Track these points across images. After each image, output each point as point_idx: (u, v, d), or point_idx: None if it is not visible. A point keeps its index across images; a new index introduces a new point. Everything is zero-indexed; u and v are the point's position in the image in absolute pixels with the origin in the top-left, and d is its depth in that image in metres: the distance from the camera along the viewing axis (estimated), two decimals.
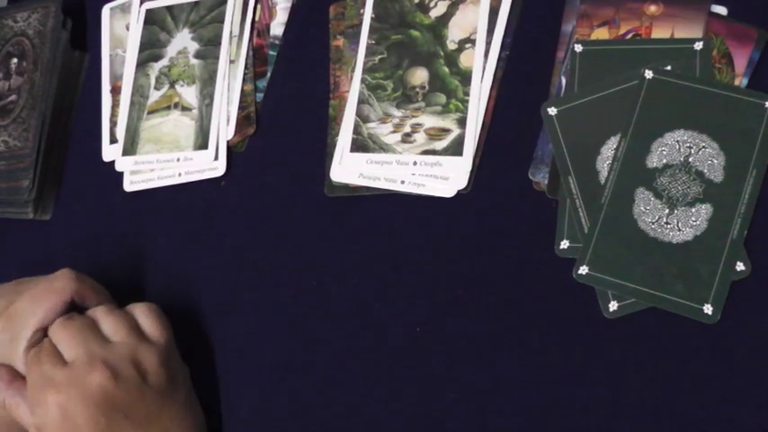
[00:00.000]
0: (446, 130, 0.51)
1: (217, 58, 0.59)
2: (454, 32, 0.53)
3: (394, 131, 0.52)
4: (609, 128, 0.47)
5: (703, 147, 0.45)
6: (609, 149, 0.47)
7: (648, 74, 0.47)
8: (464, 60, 0.52)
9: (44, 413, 0.46)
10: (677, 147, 0.46)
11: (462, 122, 0.51)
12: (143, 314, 0.51)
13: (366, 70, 0.54)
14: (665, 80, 0.47)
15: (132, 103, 0.62)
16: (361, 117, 0.53)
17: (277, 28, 0.59)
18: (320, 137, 0.55)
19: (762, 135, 0.45)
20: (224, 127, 0.58)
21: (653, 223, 0.45)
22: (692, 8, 0.48)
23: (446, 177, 0.50)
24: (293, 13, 0.59)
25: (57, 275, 0.52)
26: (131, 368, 0.47)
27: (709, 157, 0.45)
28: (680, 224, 0.45)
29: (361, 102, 0.54)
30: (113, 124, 0.63)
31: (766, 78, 0.46)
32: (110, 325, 0.49)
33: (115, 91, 0.63)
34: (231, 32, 0.60)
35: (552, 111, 0.48)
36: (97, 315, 0.50)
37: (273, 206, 0.56)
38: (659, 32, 0.48)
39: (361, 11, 0.56)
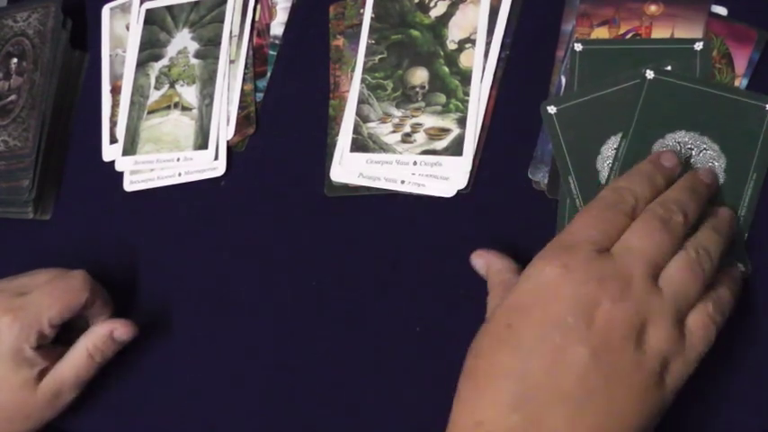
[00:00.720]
0: (446, 130, 0.51)
1: (217, 57, 0.59)
2: (454, 32, 0.53)
3: (394, 131, 0.52)
4: (609, 127, 0.47)
5: (704, 149, 0.45)
6: (609, 149, 0.47)
7: (649, 74, 0.47)
8: (464, 60, 0.52)
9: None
10: (678, 148, 0.46)
11: (462, 122, 0.51)
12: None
13: (366, 70, 0.54)
14: (667, 80, 0.47)
15: (132, 103, 0.62)
16: (361, 117, 0.53)
17: (277, 28, 0.59)
18: (320, 137, 0.55)
19: (762, 138, 0.45)
20: (224, 127, 0.58)
21: None
22: (693, 8, 0.48)
23: (446, 177, 0.50)
24: (293, 12, 0.59)
25: (74, 275, 0.52)
26: None
27: (710, 159, 0.45)
28: None
29: (361, 102, 0.54)
30: (113, 124, 0.63)
31: (766, 79, 0.46)
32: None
33: (115, 91, 0.63)
34: (231, 32, 0.60)
35: (552, 109, 0.48)
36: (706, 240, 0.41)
37: (273, 206, 0.56)
38: (659, 32, 0.48)
39: (361, 11, 0.56)
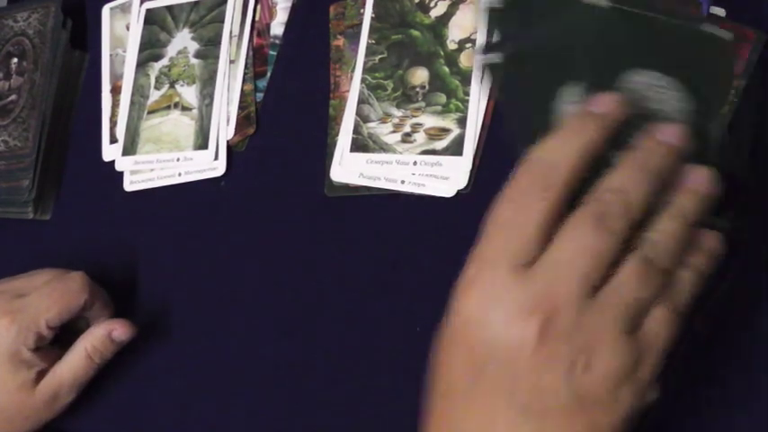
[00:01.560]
0: (446, 130, 0.51)
1: (217, 57, 0.59)
2: (454, 32, 0.53)
3: (394, 131, 0.52)
4: (559, 77, 0.39)
5: (669, 88, 0.38)
6: (566, 101, 0.39)
7: (605, 2, 0.38)
8: (464, 60, 0.52)
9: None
10: (640, 88, 0.38)
11: (462, 122, 0.51)
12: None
13: (366, 70, 0.54)
14: (624, 10, 0.38)
15: (132, 103, 0.62)
16: (362, 117, 0.53)
17: (277, 28, 0.59)
18: (320, 137, 0.55)
19: (721, 70, 0.38)
20: (224, 127, 0.58)
21: None
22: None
23: (446, 177, 0.50)
24: (293, 12, 0.59)
25: (73, 277, 0.52)
26: None
27: (677, 100, 0.38)
28: None
29: (361, 101, 0.54)
30: (113, 124, 0.63)
31: (764, 79, 0.46)
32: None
33: (115, 91, 0.64)
34: (231, 32, 0.60)
35: (496, 58, 0.39)
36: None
37: (273, 206, 0.56)
38: None
39: (362, 11, 0.56)
